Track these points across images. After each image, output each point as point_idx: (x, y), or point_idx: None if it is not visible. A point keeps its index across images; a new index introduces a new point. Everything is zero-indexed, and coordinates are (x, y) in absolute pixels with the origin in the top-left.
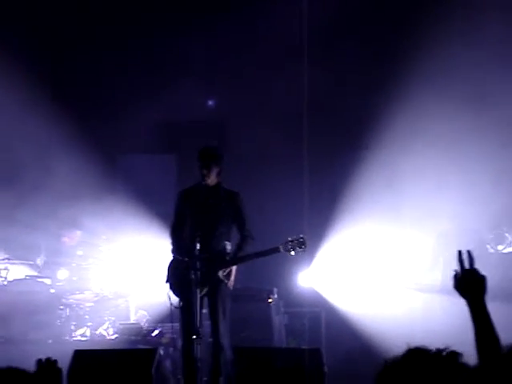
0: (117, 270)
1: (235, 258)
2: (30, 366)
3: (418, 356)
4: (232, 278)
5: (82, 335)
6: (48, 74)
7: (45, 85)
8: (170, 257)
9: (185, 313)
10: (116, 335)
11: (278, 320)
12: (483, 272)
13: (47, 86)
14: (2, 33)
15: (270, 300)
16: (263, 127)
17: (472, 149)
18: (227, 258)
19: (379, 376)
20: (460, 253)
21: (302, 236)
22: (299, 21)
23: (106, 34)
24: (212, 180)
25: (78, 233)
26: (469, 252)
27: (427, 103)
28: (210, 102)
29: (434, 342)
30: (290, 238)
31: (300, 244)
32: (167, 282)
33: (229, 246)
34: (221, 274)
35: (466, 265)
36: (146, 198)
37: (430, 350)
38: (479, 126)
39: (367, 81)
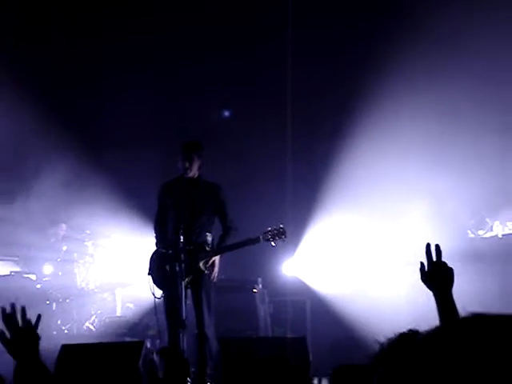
0: (102, 264)
1: (215, 249)
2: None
3: (410, 339)
4: (216, 269)
5: (69, 329)
6: (34, 71)
7: (32, 81)
8: (154, 249)
9: (170, 305)
10: (103, 328)
11: (263, 309)
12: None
13: (34, 83)
14: None
15: (254, 290)
16: (244, 116)
17: (452, 134)
18: (207, 249)
19: (376, 361)
20: (428, 245)
21: (281, 226)
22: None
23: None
24: (193, 173)
25: (64, 226)
26: (437, 245)
27: (411, 88)
28: (226, 113)
29: (419, 327)
30: (269, 228)
31: (280, 233)
32: (149, 274)
33: (209, 238)
34: (202, 265)
35: (434, 257)
36: (131, 192)
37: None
38: (459, 110)
39: (350, 65)
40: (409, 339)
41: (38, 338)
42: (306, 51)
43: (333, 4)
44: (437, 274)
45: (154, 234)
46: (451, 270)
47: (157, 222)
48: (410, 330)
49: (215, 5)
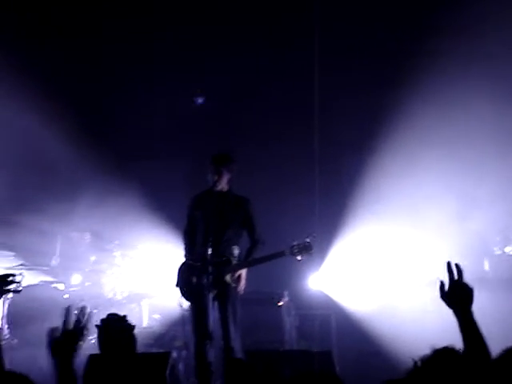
0: (129, 275)
1: (241, 262)
2: (44, 371)
3: (446, 356)
4: (242, 282)
5: (96, 339)
6: (60, 83)
7: (57, 93)
8: (181, 261)
9: (197, 317)
10: None
11: (289, 322)
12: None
13: (60, 95)
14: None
15: (280, 303)
16: (272, 128)
17: (479, 150)
18: (234, 262)
19: (409, 377)
20: (449, 264)
21: (307, 241)
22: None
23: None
24: (222, 186)
25: (88, 234)
26: (456, 265)
27: (436, 105)
28: (200, 100)
29: (444, 343)
30: (295, 243)
31: (306, 248)
32: (177, 285)
33: (236, 251)
34: (228, 278)
35: (455, 276)
36: (158, 203)
37: (458, 350)
38: (485, 127)
39: (378, 78)
40: (444, 356)
41: (81, 343)
42: (334, 62)
43: (360, 15)
44: (457, 293)
45: (183, 246)
46: (471, 290)
47: (186, 234)
48: (446, 347)
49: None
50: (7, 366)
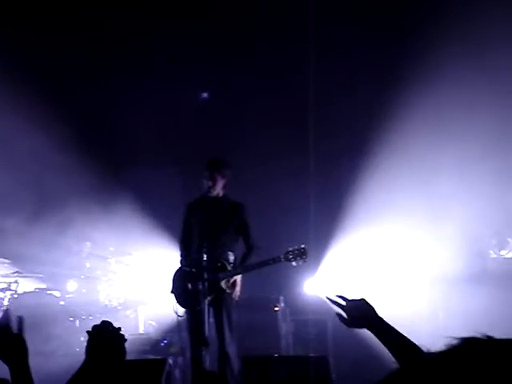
0: (125, 282)
1: (236, 269)
2: (40, 378)
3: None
4: (238, 288)
5: None
6: (53, 88)
7: (53, 97)
8: (177, 267)
9: (192, 323)
10: (125, 346)
11: (285, 328)
12: None
13: (55, 99)
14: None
15: (276, 308)
16: (267, 132)
17: (478, 154)
18: (229, 268)
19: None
20: (329, 298)
21: (303, 246)
22: (306, 24)
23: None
24: (217, 191)
25: (88, 244)
26: (336, 295)
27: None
28: (205, 95)
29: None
30: (290, 248)
31: (301, 254)
32: (172, 292)
33: (231, 256)
34: (223, 284)
35: (342, 302)
36: (153, 209)
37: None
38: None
39: (377, 77)
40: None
41: (25, 347)
42: (330, 66)
43: (360, 16)
44: (355, 314)
45: (179, 252)
46: (362, 300)
47: (181, 241)
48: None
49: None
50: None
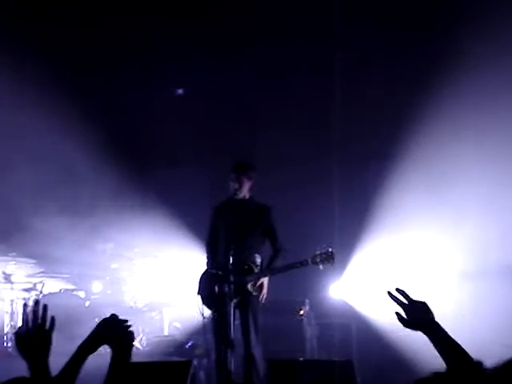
0: (150, 283)
1: (263, 271)
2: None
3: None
4: (264, 290)
5: None
6: (82, 89)
7: (79, 96)
8: (203, 269)
9: (218, 325)
10: (150, 347)
11: (310, 331)
12: None
13: (81, 99)
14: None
15: (301, 312)
16: (292, 137)
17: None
18: (256, 270)
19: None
20: (390, 293)
21: (330, 250)
22: (330, 30)
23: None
24: (243, 194)
25: (111, 244)
26: (397, 289)
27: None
28: (179, 91)
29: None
30: (317, 252)
31: (328, 258)
32: (199, 294)
33: (258, 259)
34: (250, 286)
35: (404, 300)
36: (179, 211)
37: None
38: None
39: (400, 84)
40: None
41: (50, 340)
42: (355, 71)
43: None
44: (416, 315)
45: (206, 255)
46: (425, 303)
47: (207, 244)
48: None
49: None
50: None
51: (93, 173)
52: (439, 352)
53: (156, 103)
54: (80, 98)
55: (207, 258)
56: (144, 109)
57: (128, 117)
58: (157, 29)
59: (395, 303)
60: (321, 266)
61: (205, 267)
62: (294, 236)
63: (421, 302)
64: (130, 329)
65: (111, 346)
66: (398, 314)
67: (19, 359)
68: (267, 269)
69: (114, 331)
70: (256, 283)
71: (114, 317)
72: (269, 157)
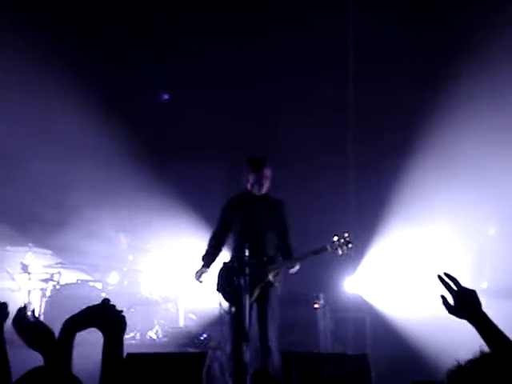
0: (166, 275)
1: (285, 260)
2: (80, 368)
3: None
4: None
5: (133, 338)
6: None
7: (97, 94)
8: (220, 264)
9: (235, 317)
10: (165, 339)
11: (324, 325)
12: None
13: (99, 96)
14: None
15: (316, 305)
16: (308, 134)
17: None
18: (276, 261)
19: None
20: (440, 277)
21: (347, 235)
22: (346, 27)
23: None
24: (265, 189)
25: (122, 237)
26: (447, 274)
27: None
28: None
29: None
30: (335, 238)
31: (347, 242)
32: (217, 289)
33: (277, 253)
34: (271, 276)
35: (454, 286)
36: (197, 203)
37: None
38: None
39: (419, 74)
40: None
41: (49, 331)
42: (368, 65)
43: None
44: (463, 302)
45: (207, 247)
46: (474, 291)
47: (214, 237)
48: (482, 352)
49: None
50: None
51: (113, 167)
52: (486, 342)
53: (175, 95)
54: (100, 93)
55: (207, 249)
56: (162, 104)
57: (147, 113)
58: (178, 19)
59: (444, 288)
60: (340, 251)
61: (200, 258)
62: (308, 232)
63: (470, 290)
64: (123, 315)
65: (101, 331)
66: (443, 297)
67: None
68: (289, 258)
69: (103, 315)
70: (278, 273)
71: (105, 301)
72: (282, 150)
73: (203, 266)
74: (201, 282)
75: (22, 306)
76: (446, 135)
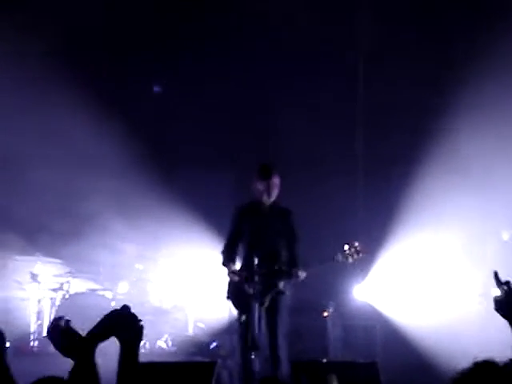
0: (175, 284)
1: (297, 269)
2: None
3: (486, 369)
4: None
5: (142, 347)
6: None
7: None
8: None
9: (244, 326)
10: (175, 347)
11: (334, 333)
12: None
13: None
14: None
15: (326, 313)
16: (317, 140)
17: None
18: (286, 270)
19: None
20: (496, 273)
21: (356, 244)
22: (353, 29)
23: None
24: (269, 198)
25: (128, 246)
26: (496, 273)
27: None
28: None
29: (490, 356)
30: (346, 247)
31: (356, 251)
32: (228, 298)
33: (286, 261)
34: (281, 285)
35: (505, 287)
36: (206, 212)
37: (498, 363)
38: None
39: (424, 86)
40: (485, 370)
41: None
42: (379, 70)
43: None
44: (509, 303)
45: (223, 255)
46: None
47: (228, 244)
48: (486, 361)
49: None
50: (52, 373)
51: (120, 174)
52: None
53: (185, 103)
54: (113, 102)
55: (224, 259)
56: (170, 109)
57: (154, 118)
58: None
59: (496, 285)
60: (350, 260)
61: (223, 267)
62: (317, 239)
63: None
64: (142, 323)
65: (119, 340)
66: (496, 273)
67: (43, 358)
68: (299, 266)
69: (122, 322)
70: (289, 282)
71: (125, 309)
72: (293, 159)
73: (229, 266)
74: (239, 278)
75: (57, 317)
76: (456, 141)
